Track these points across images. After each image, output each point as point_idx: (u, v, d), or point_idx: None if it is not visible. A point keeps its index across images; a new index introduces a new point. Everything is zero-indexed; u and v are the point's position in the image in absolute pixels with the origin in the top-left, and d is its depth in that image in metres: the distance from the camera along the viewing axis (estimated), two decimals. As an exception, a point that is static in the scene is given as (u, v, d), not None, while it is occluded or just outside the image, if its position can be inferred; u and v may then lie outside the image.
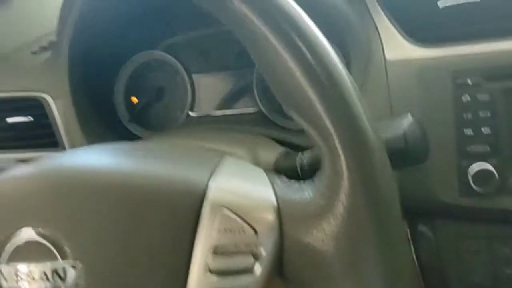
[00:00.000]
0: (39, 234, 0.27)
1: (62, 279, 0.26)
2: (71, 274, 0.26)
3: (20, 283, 0.27)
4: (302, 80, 0.24)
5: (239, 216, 0.25)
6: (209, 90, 0.71)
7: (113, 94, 0.74)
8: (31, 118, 0.67)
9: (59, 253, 0.26)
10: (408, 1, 0.52)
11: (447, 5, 0.49)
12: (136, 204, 0.26)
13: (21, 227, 0.27)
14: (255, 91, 0.67)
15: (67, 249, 0.26)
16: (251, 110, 0.69)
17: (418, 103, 0.47)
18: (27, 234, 0.27)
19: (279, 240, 0.25)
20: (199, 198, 0.26)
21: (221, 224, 0.25)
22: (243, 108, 0.70)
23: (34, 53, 0.77)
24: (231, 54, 0.70)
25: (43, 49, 0.77)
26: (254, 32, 0.25)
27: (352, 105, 0.24)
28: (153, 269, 0.26)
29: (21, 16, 0.88)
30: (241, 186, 0.27)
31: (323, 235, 0.24)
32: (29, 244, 0.27)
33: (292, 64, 0.24)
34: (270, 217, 0.25)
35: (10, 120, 0.68)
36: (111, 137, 0.70)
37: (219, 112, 0.71)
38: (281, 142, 0.57)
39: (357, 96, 0.24)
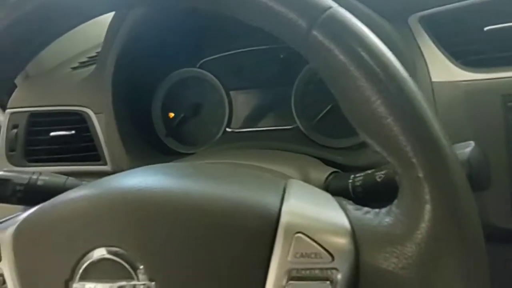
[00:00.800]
0: (113, 253, 0.28)
1: None
2: None
3: None
4: (383, 111, 0.24)
5: (315, 241, 0.26)
6: (246, 106, 0.73)
7: (151, 109, 0.75)
8: (73, 132, 0.69)
9: (134, 273, 0.27)
10: (453, 25, 0.52)
11: (493, 28, 0.49)
12: (212, 228, 0.27)
13: (95, 247, 0.28)
14: (293, 108, 0.68)
15: (142, 269, 0.27)
16: (287, 127, 0.70)
17: (467, 125, 0.47)
18: (101, 253, 0.28)
19: (355, 266, 0.26)
20: (273, 223, 0.26)
21: (296, 249, 0.26)
22: (279, 125, 0.71)
23: (75, 68, 0.79)
24: (269, 71, 0.70)
25: (83, 64, 0.80)
26: (333, 63, 0.25)
27: (435, 136, 0.24)
28: None
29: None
30: (314, 211, 0.28)
31: (403, 262, 0.24)
32: (104, 262, 0.28)
33: (373, 95, 0.24)
34: (347, 242, 0.26)
35: (53, 133, 0.70)
36: (150, 151, 0.71)
37: (255, 128, 0.72)
38: (323, 161, 0.57)
39: (439, 125, 0.24)
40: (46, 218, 0.31)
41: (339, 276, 0.25)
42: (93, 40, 0.87)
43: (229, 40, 0.72)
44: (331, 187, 0.45)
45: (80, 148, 0.69)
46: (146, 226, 0.27)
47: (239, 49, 0.72)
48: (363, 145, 0.63)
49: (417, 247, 0.24)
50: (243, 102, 0.72)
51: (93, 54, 0.82)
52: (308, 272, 0.25)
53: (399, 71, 0.25)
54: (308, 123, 0.67)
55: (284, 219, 0.26)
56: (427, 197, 0.23)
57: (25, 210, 0.62)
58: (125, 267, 0.27)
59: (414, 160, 0.24)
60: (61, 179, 0.52)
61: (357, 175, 0.42)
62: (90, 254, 0.28)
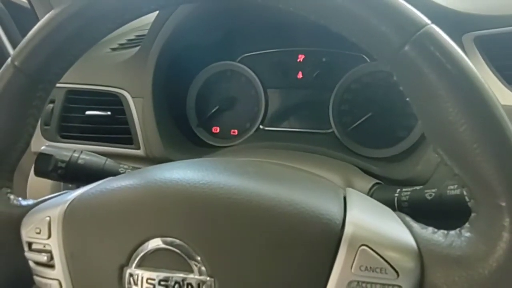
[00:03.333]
0: (170, 243, 0.28)
1: None
2: None
3: None
4: (470, 136, 0.24)
5: (381, 256, 0.25)
6: (282, 105, 0.72)
7: (187, 98, 0.75)
8: (109, 113, 0.69)
9: (194, 266, 0.27)
10: (508, 48, 0.52)
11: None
12: (276, 230, 0.27)
13: (154, 236, 0.28)
14: (330, 112, 0.68)
15: (202, 264, 0.27)
16: (322, 131, 0.70)
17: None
18: (158, 243, 0.28)
19: (419, 285, 0.25)
20: (338, 233, 0.26)
21: (360, 261, 0.26)
22: (313, 128, 0.70)
23: (114, 49, 0.79)
24: (309, 74, 0.70)
25: (122, 46, 0.80)
26: (422, 81, 0.25)
27: None
28: None
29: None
30: (378, 225, 0.27)
31: (470, 287, 0.24)
32: (163, 252, 0.28)
33: (461, 118, 0.24)
34: (413, 261, 0.26)
35: (89, 112, 0.70)
36: (183, 140, 0.72)
37: (289, 129, 0.72)
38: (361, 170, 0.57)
39: None
40: (103, 200, 0.31)
41: None
42: (132, 23, 0.87)
43: (272, 39, 0.72)
44: (374, 198, 0.44)
45: (114, 130, 0.69)
46: (210, 222, 0.27)
47: (281, 48, 0.72)
48: (399, 158, 0.63)
49: (490, 274, 0.23)
50: (279, 101, 0.72)
51: (132, 37, 0.82)
52: (369, 286, 0.25)
53: (491, 98, 0.24)
54: (344, 130, 0.67)
55: (348, 229, 0.26)
56: (507, 226, 0.23)
57: (57, 187, 0.63)
58: (184, 259, 0.27)
59: (499, 188, 0.23)
60: (101, 159, 0.52)
61: (404, 189, 0.42)
62: (149, 242, 0.28)
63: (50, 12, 0.34)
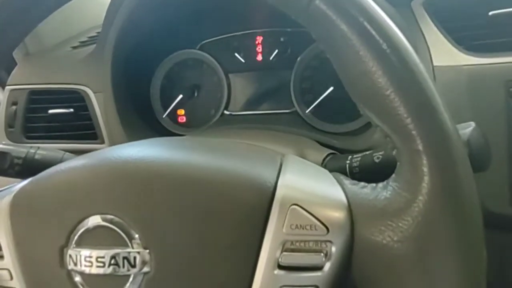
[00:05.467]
0: (108, 220, 0.28)
1: (132, 266, 0.27)
2: (140, 262, 0.27)
3: (90, 268, 0.28)
4: (384, 82, 0.24)
5: (311, 214, 0.26)
6: (244, 89, 0.72)
7: (150, 90, 0.75)
8: (72, 110, 0.69)
9: (129, 241, 0.27)
10: (457, 10, 0.52)
11: (497, 13, 0.49)
12: (208, 198, 0.27)
13: (90, 214, 0.28)
14: (291, 92, 0.68)
15: (137, 237, 0.27)
16: (285, 110, 0.70)
17: (468, 110, 0.47)
18: (96, 220, 0.28)
19: (350, 239, 0.26)
20: (269, 195, 0.27)
21: (291, 221, 0.26)
22: (277, 108, 0.71)
23: (75, 47, 0.79)
24: (268, 55, 0.70)
25: (83, 44, 0.79)
26: (334, 33, 0.25)
27: (437, 109, 0.24)
28: (220, 262, 0.26)
29: (61, 14, 0.91)
30: (310, 185, 0.28)
31: (398, 235, 0.24)
32: (99, 230, 0.28)
33: (374, 65, 0.24)
34: (342, 216, 0.26)
35: (52, 111, 0.70)
36: (148, 131, 0.72)
37: (253, 112, 0.72)
38: (320, 144, 0.57)
39: (441, 99, 0.24)
40: (42, 186, 0.31)
41: (333, 249, 0.25)
42: (93, 20, 0.87)
43: (229, 23, 0.72)
44: (328, 167, 0.45)
45: (78, 126, 0.69)
46: (141, 195, 0.27)
47: (239, 31, 0.72)
48: (360, 131, 0.63)
49: (413, 220, 0.24)
50: (241, 85, 0.72)
51: (93, 34, 0.82)
52: (302, 244, 0.26)
53: (402, 42, 0.24)
54: (306, 108, 0.67)
55: (280, 192, 0.27)
56: (426, 170, 0.23)
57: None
58: (120, 234, 0.27)
59: (414, 132, 0.23)
60: (59, 154, 0.52)
61: (355, 156, 0.42)
62: (86, 221, 0.28)
63: None
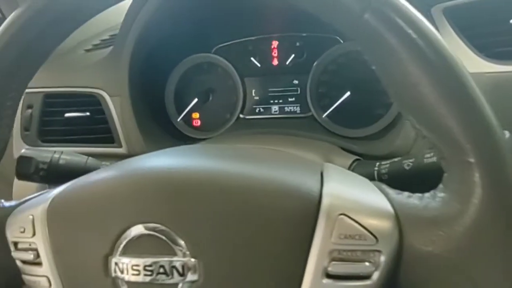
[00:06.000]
0: (155, 229, 0.28)
1: (181, 274, 0.27)
2: (188, 270, 0.27)
3: (137, 277, 0.28)
4: (435, 97, 0.24)
5: (359, 223, 0.26)
6: (259, 93, 0.73)
7: (165, 94, 0.75)
8: (87, 114, 0.69)
9: (176, 249, 0.28)
10: (478, 17, 0.53)
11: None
12: (254, 208, 0.27)
13: (136, 223, 0.28)
14: (308, 96, 0.69)
15: (184, 246, 0.27)
16: (301, 115, 0.70)
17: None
18: (142, 229, 0.28)
19: (399, 248, 0.26)
20: (315, 204, 0.27)
21: (340, 230, 0.26)
22: (293, 113, 0.71)
23: (88, 50, 0.79)
24: (284, 59, 0.71)
25: (96, 47, 0.79)
26: (384, 47, 0.25)
27: (488, 121, 0.24)
28: (268, 272, 0.27)
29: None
30: (355, 194, 0.28)
31: (449, 245, 0.24)
32: (145, 238, 0.28)
33: (424, 79, 0.24)
34: (390, 225, 0.26)
35: (68, 115, 0.70)
36: (164, 135, 0.72)
37: (268, 116, 0.72)
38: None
39: (491, 111, 0.24)
40: (82, 194, 0.32)
41: (382, 258, 0.26)
42: (105, 23, 0.87)
43: (245, 28, 0.72)
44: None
45: (94, 130, 0.69)
46: (187, 204, 0.28)
47: (254, 36, 0.72)
48: (377, 136, 0.64)
49: (465, 231, 0.24)
50: (257, 89, 0.73)
51: (106, 37, 0.82)
52: (350, 253, 0.26)
53: (451, 57, 0.25)
54: (323, 112, 0.68)
55: (326, 200, 0.27)
56: (478, 181, 0.24)
57: (43, 189, 0.62)
58: (167, 243, 0.28)
59: (467, 145, 0.24)
60: (82, 158, 0.52)
61: (383, 162, 0.43)
62: (131, 230, 0.28)
63: (14, 12, 0.34)
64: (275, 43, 0.71)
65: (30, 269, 0.33)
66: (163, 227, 0.28)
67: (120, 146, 0.68)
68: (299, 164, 0.32)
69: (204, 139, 0.72)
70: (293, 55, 0.70)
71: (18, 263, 0.34)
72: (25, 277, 0.33)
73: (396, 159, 0.42)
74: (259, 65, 0.72)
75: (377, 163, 0.43)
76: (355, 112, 0.65)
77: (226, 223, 0.27)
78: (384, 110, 0.64)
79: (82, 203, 0.31)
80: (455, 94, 0.24)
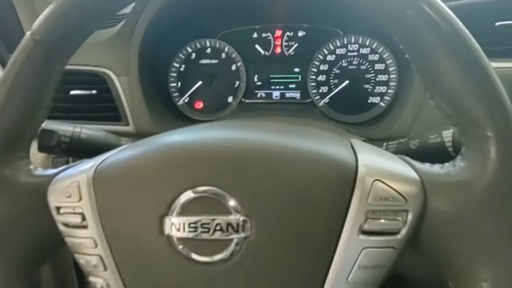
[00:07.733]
0: (211, 192, 0.31)
1: (236, 231, 0.31)
2: (242, 227, 0.31)
3: (194, 233, 0.31)
4: (464, 82, 0.29)
5: (391, 187, 0.31)
6: (262, 79, 0.76)
7: (168, 76, 0.77)
8: (94, 92, 0.70)
9: (231, 209, 0.31)
10: (465, 20, 0.57)
11: (504, 24, 0.55)
12: (301, 175, 0.31)
13: (191, 186, 0.31)
14: (308, 84, 0.73)
15: (238, 207, 0.31)
16: (303, 101, 0.75)
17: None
18: (199, 191, 0.31)
19: (424, 208, 0.31)
20: (353, 172, 0.31)
21: (376, 193, 0.31)
22: (294, 98, 0.75)
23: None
24: (286, 47, 0.74)
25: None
26: (422, 40, 0.30)
27: (504, 102, 0.29)
28: (311, 230, 0.31)
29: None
30: (385, 163, 0.33)
31: (467, 205, 0.30)
32: (201, 199, 0.31)
33: (457, 68, 0.29)
34: (417, 189, 0.31)
35: (73, 92, 0.71)
36: (170, 114, 0.74)
37: (270, 101, 0.76)
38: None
39: (507, 96, 0.30)
40: (133, 162, 0.34)
41: (409, 216, 0.31)
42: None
43: (251, 16, 0.75)
44: None
45: (100, 108, 0.71)
46: (241, 170, 0.31)
47: (259, 24, 0.75)
48: (372, 122, 0.69)
49: (483, 192, 0.29)
50: (259, 75, 0.76)
51: (110, 16, 0.82)
52: (382, 213, 0.31)
53: (478, 51, 0.30)
54: (322, 99, 0.73)
55: (361, 169, 0.31)
56: (494, 151, 0.29)
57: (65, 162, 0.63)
58: (222, 204, 0.31)
59: (486, 122, 0.29)
60: (102, 133, 0.54)
61: (390, 143, 0.47)
62: (187, 192, 0.31)
63: None
64: (278, 32, 0.75)
65: (74, 232, 0.35)
66: (217, 189, 0.31)
67: (127, 124, 0.69)
68: (330, 138, 0.36)
69: (205, 121, 0.75)
70: (296, 44, 0.74)
71: (60, 226, 0.36)
72: (68, 239, 0.36)
73: (402, 140, 0.47)
74: (262, 52, 0.75)
75: (384, 143, 0.48)
76: (351, 100, 0.71)
77: (276, 187, 0.31)
78: (378, 98, 0.70)
79: (133, 168, 0.33)
80: (477, 79, 0.29)
